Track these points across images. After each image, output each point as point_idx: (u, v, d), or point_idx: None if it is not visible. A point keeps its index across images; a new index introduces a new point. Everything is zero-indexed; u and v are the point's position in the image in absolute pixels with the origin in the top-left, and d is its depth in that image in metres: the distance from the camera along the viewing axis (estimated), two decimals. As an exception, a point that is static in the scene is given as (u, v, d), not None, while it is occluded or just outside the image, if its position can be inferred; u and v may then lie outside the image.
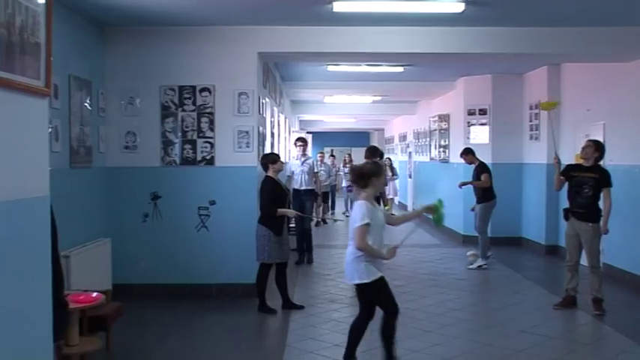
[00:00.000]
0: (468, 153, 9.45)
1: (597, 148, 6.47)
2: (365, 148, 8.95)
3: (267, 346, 5.68)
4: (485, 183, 9.06)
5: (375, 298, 4.51)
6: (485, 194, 9.13)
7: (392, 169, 15.96)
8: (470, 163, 9.46)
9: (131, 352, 5.16)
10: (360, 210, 4.36)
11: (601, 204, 6.40)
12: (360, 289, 4.52)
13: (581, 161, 6.58)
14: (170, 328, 5.89)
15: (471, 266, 8.94)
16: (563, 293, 6.63)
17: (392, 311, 4.48)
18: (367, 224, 4.28)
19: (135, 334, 5.61)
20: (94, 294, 4.63)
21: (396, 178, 16.40)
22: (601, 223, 6.33)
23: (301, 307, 6.45)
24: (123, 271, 6.87)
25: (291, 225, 9.02)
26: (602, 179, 6.32)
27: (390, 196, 15.65)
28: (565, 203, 6.76)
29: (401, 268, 8.97)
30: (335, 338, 5.28)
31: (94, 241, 6.38)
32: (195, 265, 7.06)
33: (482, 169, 9.25)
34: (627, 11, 6.45)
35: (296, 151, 9.62)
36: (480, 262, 9.01)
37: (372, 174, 4.52)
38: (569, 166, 6.76)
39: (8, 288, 2.05)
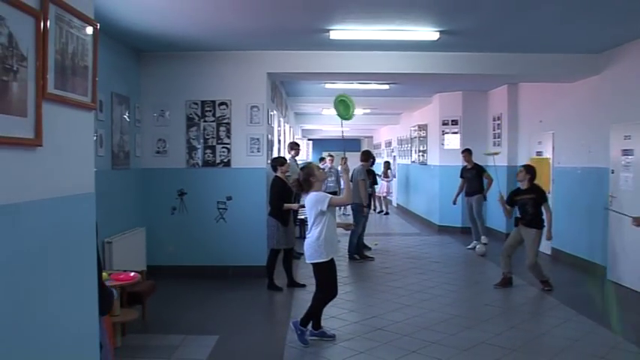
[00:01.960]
0: (470, 153, 9.39)
1: (528, 171, 6.52)
2: (360, 152, 8.99)
3: (274, 318, 5.69)
4: (491, 178, 9.10)
5: (322, 275, 4.60)
6: (479, 188, 9.19)
7: (387, 170, 15.41)
8: (467, 162, 9.41)
9: (162, 321, 5.17)
10: (316, 197, 4.50)
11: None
12: (317, 267, 4.59)
13: (524, 181, 6.51)
14: (193, 302, 5.92)
15: (477, 248, 8.95)
16: (501, 276, 6.64)
17: (323, 293, 4.63)
18: (330, 198, 4.52)
19: (165, 306, 5.63)
20: (132, 273, 4.65)
21: (390, 180, 15.66)
22: (545, 230, 6.38)
23: (303, 286, 6.47)
24: (155, 254, 6.90)
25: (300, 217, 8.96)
26: (538, 197, 6.40)
27: (383, 194, 15.13)
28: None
29: (387, 253, 9.01)
30: (331, 311, 5.30)
31: (131, 229, 6.41)
32: (214, 250, 7.08)
33: (481, 169, 9.27)
34: (571, 42, 6.55)
35: (290, 154, 9.30)
36: (483, 240, 9.08)
37: (308, 177, 4.60)
38: (511, 193, 6.73)
39: (62, 269, 2.07)
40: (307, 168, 4.75)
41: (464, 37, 6.19)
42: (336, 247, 4.65)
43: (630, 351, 4.42)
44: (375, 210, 14.15)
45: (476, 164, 9.37)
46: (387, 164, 15.86)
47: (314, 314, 4.65)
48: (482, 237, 9.19)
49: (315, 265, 4.58)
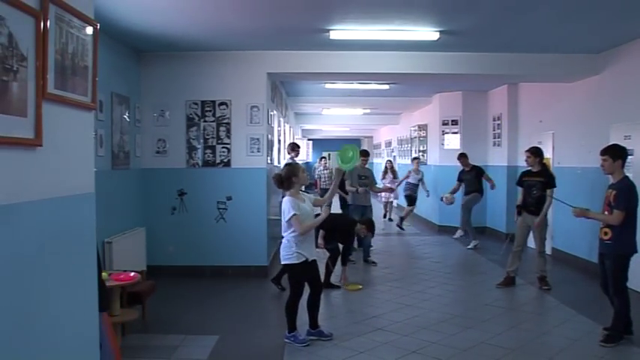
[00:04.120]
0: (466, 157, 9.64)
1: (535, 154, 6.49)
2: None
3: (274, 318, 5.68)
4: (491, 179, 9.41)
5: (290, 277, 4.61)
6: (476, 188, 9.38)
7: (393, 171, 13.21)
8: (464, 166, 9.58)
9: (162, 321, 5.17)
10: (287, 205, 4.44)
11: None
12: (289, 268, 4.59)
13: (534, 164, 6.52)
14: (193, 302, 5.92)
15: (457, 236, 9.42)
16: (504, 274, 6.65)
17: (292, 295, 4.59)
18: (295, 215, 4.38)
19: (165, 306, 5.63)
20: (132, 273, 4.65)
21: (397, 181, 12.82)
22: (541, 214, 6.39)
23: (283, 289, 6.28)
24: (155, 254, 6.90)
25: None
26: (548, 182, 6.39)
27: (388, 200, 14.00)
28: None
29: (388, 253, 9.00)
30: (331, 311, 5.31)
31: (131, 229, 6.41)
32: (214, 250, 7.08)
33: (480, 170, 9.47)
34: (570, 42, 6.55)
35: (290, 155, 9.19)
36: (473, 243, 9.21)
37: (290, 175, 4.53)
38: (522, 173, 6.76)
39: (62, 269, 2.07)
40: (292, 167, 4.66)
41: (464, 37, 6.19)
42: (312, 250, 4.59)
43: (631, 351, 4.42)
44: (384, 217, 13.86)
45: (474, 166, 9.53)
46: (390, 164, 13.74)
47: (291, 315, 4.62)
48: (474, 241, 9.24)
49: (285, 266, 4.60)
